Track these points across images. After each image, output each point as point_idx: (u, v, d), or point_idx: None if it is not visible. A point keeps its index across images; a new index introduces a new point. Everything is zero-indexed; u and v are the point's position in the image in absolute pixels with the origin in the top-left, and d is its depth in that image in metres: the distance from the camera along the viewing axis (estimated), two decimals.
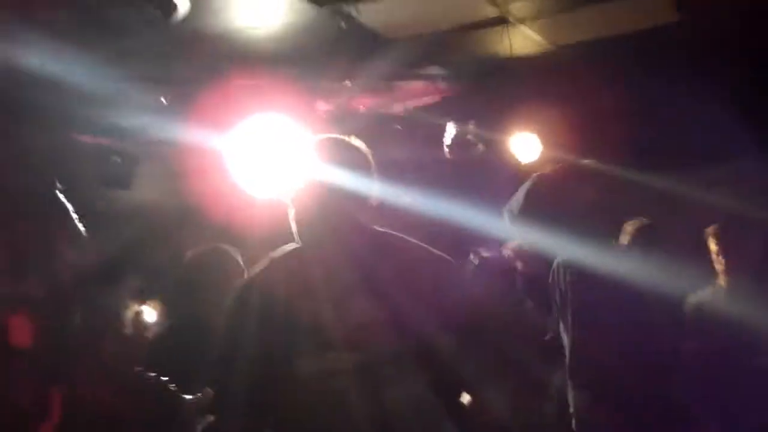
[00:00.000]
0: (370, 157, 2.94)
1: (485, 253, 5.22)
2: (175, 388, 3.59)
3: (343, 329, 2.70)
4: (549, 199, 3.96)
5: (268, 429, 2.77)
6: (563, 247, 3.99)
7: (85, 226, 4.39)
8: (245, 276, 4.00)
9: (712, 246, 5.21)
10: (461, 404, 2.87)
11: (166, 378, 3.60)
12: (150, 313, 6.68)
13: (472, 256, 5.26)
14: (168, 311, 4.62)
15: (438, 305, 2.75)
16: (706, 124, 6.41)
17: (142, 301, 6.44)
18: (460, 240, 5.52)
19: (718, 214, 5.58)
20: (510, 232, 4.37)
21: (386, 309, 2.71)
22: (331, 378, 2.67)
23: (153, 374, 3.61)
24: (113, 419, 3.72)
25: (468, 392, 2.87)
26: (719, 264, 5.18)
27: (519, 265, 4.95)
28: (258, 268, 2.88)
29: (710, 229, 5.23)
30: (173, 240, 5.00)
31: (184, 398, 3.59)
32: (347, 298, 2.72)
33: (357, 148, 2.91)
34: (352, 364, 2.68)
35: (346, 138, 2.95)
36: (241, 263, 4.20)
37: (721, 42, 5.75)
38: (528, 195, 4.03)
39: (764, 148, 7.57)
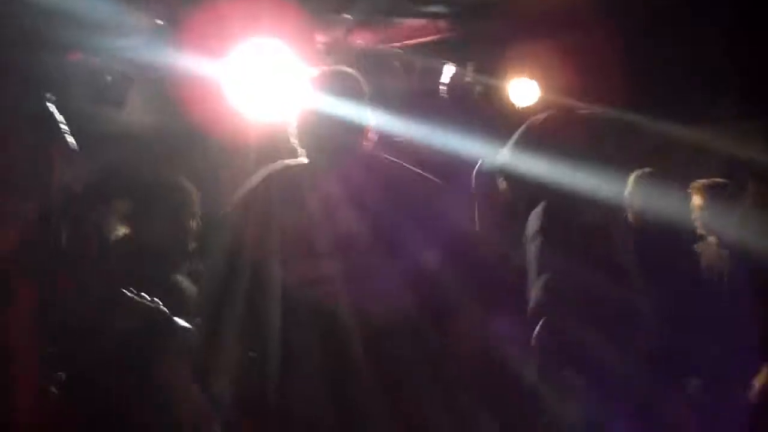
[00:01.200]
0: (365, 87, 3.01)
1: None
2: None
3: (329, 237, 2.73)
4: (541, 144, 3.91)
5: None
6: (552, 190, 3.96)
7: (76, 145, 4.36)
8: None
9: (696, 200, 5.23)
10: (445, 324, 2.91)
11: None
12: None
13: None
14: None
15: (426, 224, 2.83)
16: (708, 80, 6.39)
17: (130, 224, 6.43)
18: (449, 179, 5.51)
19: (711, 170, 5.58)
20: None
21: (373, 222, 2.81)
22: (316, 284, 2.71)
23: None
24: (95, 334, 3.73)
25: (452, 310, 2.91)
26: (701, 218, 5.20)
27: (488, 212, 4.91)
28: (256, 179, 2.93)
29: (697, 184, 5.24)
30: (165, 163, 4.95)
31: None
32: (334, 208, 2.79)
33: (354, 78, 3.00)
34: (336, 270, 2.72)
35: (344, 68, 3.04)
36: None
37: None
38: (519, 140, 3.98)
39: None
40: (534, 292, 4.00)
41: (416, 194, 2.94)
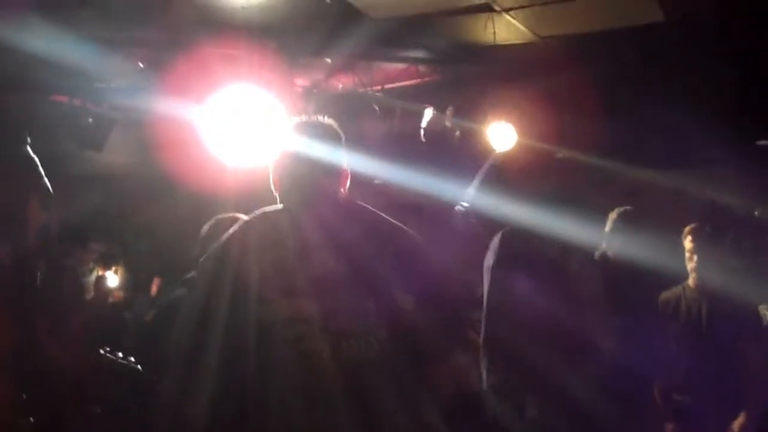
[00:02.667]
0: (341, 134, 3.05)
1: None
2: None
3: (305, 278, 2.77)
4: (502, 179, 3.97)
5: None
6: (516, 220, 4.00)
7: (54, 187, 4.36)
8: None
9: (687, 244, 5.25)
10: (421, 364, 2.93)
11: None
12: (112, 278, 6.68)
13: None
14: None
15: (400, 268, 2.86)
16: (683, 126, 6.46)
17: (106, 267, 6.43)
18: (428, 221, 5.56)
19: (685, 215, 5.62)
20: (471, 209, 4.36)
21: (347, 265, 2.81)
22: (293, 324, 2.74)
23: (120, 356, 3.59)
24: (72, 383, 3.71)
25: (428, 354, 2.93)
26: (691, 262, 5.23)
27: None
28: (235, 227, 2.95)
29: (688, 228, 5.27)
30: (142, 206, 4.97)
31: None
32: (310, 250, 2.81)
33: (330, 126, 3.04)
34: (313, 311, 2.74)
35: (320, 118, 3.08)
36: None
37: (704, 43, 5.78)
38: (482, 178, 4.04)
39: (741, 155, 7.68)
40: (482, 326, 4.04)
41: (390, 239, 2.97)
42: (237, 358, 2.76)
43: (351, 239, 2.88)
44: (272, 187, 3.02)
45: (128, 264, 7.03)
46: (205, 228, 4.20)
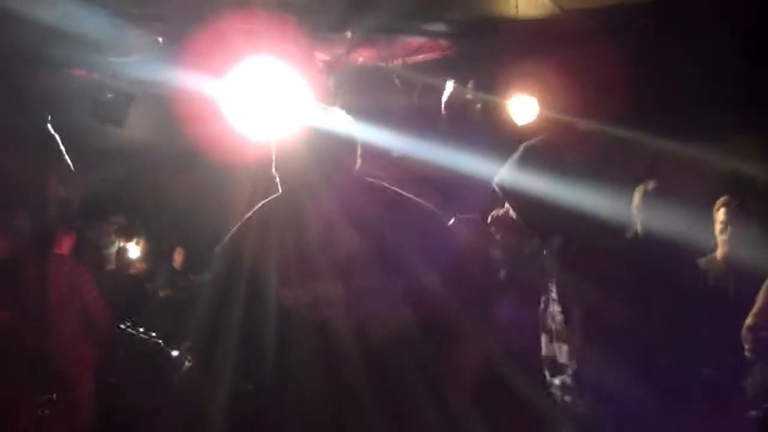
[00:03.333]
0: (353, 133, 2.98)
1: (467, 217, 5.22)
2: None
3: (330, 260, 2.74)
4: (541, 163, 3.89)
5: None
6: (554, 219, 3.93)
7: (75, 161, 4.38)
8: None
9: (720, 216, 5.20)
10: (447, 347, 2.91)
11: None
12: (133, 250, 6.73)
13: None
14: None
15: (422, 248, 2.82)
16: (708, 96, 6.39)
17: (127, 238, 6.47)
18: (448, 196, 5.54)
19: (711, 187, 5.56)
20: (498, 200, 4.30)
21: (372, 243, 2.78)
22: (317, 307, 2.71)
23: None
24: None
25: (453, 336, 2.90)
26: (723, 235, 5.18)
27: (498, 234, 4.90)
28: (251, 212, 2.91)
29: (721, 200, 5.22)
30: (164, 180, 4.97)
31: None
32: (334, 231, 2.78)
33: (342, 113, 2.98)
34: (338, 294, 2.71)
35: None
36: None
37: (725, 14, 5.70)
38: (519, 160, 3.96)
39: (763, 125, 7.60)
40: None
41: (413, 217, 2.93)
42: (257, 343, 2.74)
43: (374, 218, 2.83)
44: (274, 169, 2.95)
45: (149, 236, 7.07)
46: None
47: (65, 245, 4.64)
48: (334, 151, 2.90)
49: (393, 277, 2.79)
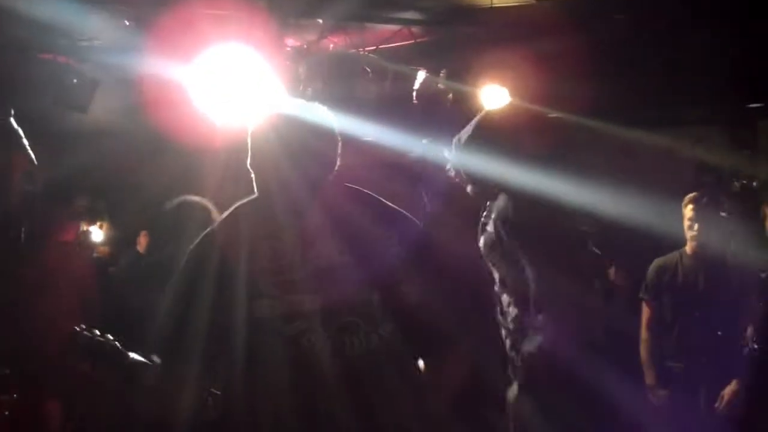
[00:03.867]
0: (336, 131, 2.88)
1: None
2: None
3: (307, 271, 2.66)
4: (497, 132, 3.87)
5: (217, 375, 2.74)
6: (507, 180, 3.91)
7: (40, 144, 4.30)
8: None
9: (688, 212, 5.24)
10: (429, 357, 2.86)
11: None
12: (97, 233, 6.68)
13: (424, 195, 5.23)
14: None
15: (404, 261, 2.75)
16: (678, 87, 6.43)
17: (90, 222, 6.40)
18: (418, 182, 5.52)
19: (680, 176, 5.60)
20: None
21: (350, 255, 2.69)
22: (292, 320, 2.64)
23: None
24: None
25: (431, 351, 2.86)
26: (691, 231, 5.22)
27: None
28: (223, 215, 2.84)
29: (689, 197, 5.25)
30: (130, 164, 4.90)
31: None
32: (312, 241, 2.70)
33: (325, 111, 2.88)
34: (315, 306, 2.65)
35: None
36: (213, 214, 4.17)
37: (694, 6, 5.73)
38: (477, 126, 3.93)
39: (731, 117, 7.67)
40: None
41: (394, 226, 2.84)
42: (226, 352, 2.68)
43: (354, 227, 2.73)
44: (249, 164, 2.85)
45: (114, 220, 7.00)
46: (170, 207, 4.12)
47: (70, 233, 4.58)
48: (314, 152, 2.78)
49: (370, 290, 2.72)
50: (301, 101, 2.91)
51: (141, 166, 5.03)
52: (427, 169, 5.52)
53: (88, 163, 5.39)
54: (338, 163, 2.85)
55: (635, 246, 5.75)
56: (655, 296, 5.35)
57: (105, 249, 7.50)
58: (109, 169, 5.79)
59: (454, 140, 3.99)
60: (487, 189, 3.99)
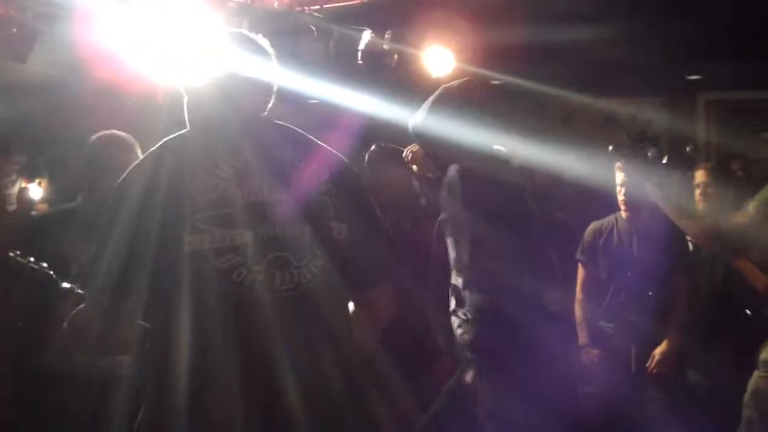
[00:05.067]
0: (270, 49, 2.94)
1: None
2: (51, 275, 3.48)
3: (240, 206, 2.69)
4: (452, 110, 3.93)
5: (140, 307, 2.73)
6: (462, 157, 3.99)
7: None
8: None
9: (618, 177, 5.36)
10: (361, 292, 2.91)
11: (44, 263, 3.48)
12: (35, 190, 6.57)
13: (373, 147, 5.33)
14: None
15: (334, 199, 2.81)
16: (616, 58, 6.51)
17: (29, 178, 6.30)
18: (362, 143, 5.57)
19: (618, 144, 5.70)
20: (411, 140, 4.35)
21: (282, 191, 2.74)
22: (224, 254, 2.64)
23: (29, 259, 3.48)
24: None
25: (360, 287, 2.90)
26: (621, 195, 5.35)
27: (414, 167, 4.98)
28: (153, 149, 2.83)
29: (618, 163, 5.36)
30: (70, 119, 4.83)
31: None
32: (245, 176, 2.72)
33: (259, 43, 2.93)
34: (247, 241, 2.67)
35: (251, 34, 2.97)
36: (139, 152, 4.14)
37: None
38: (432, 105, 3.99)
39: (670, 88, 7.80)
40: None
41: (325, 164, 2.88)
42: (163, 288, 2.68)
43: (285, 163, 2.78)
44: (186, 105, 2.87)
45: (53, 177, 6.91)
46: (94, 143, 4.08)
47: None
48: (247, 88, 2.85)
49: (302, 226, 2.75)
50: (237, 35, 2.94)
51: (81, 121, 4.95)
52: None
53: (26, 117, 5.31)
54: (272, 100, 2.92)
55: (574, 209, 5.86)
56: (590, 258, 5.48)
57: (44, 206, 7.42)
58: (48, 124, 5.69)
59: (410, 120, 4.05)
60: (442, 157, 4.07)
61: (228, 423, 2.60)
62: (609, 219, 5.53)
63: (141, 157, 3.66)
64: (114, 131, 4.23)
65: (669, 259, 5.18)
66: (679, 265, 5.26)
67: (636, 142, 5.36)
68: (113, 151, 4.11)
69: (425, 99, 4.08)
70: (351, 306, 2.94)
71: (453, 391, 4.31)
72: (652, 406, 5.15)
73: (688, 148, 6.04)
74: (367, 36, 6.25)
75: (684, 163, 5.71)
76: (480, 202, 3.96)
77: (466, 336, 3.99)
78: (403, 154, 4.92)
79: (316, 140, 2.94)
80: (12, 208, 5.97)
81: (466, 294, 4.00)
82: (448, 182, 4.17)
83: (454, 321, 4.11)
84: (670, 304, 5.24)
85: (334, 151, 2.94)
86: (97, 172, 4.10)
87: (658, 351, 5.20)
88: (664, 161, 4.69)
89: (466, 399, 4.08)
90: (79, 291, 3.32)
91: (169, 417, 2.62)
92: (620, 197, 5.39)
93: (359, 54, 6.27)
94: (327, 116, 5.65)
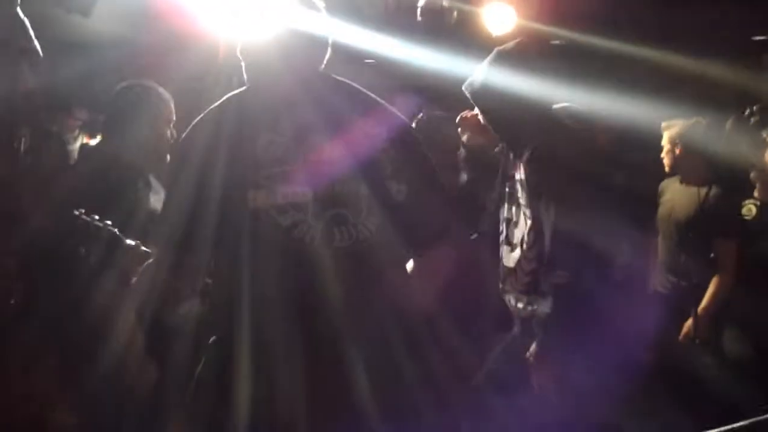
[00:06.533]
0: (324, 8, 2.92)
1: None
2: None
3: (300, 163, 2.70)
4: (511, 70, 3.86)
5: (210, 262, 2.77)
6: (522, 128, 3.93)
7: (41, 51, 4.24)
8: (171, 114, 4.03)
9: (670, 142, 5.27)
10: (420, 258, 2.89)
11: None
12: None
13: (421, 114, 5.22)
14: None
15: (393, 159, 2.80)
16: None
17: (90, 135, 6.36)
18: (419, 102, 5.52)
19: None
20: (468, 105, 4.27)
21: (342, 149, 2.74)
22: (286, 211, 2.66)
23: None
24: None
25: (419, 248, 2.89)
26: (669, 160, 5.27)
27: (465, 137, 4.88)
28: (217, 103, 2.85)
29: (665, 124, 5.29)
30: (129, 76, 4.85)
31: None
32: (304, 133, 2.73)
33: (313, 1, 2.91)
34: (307, 198, 2.68)
35: None
36: (170, 103, 4.16)
37: None
38: (489, 66, 3.93)
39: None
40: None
41: (385, 123, 2.87)
42: (228, 243, 2.70)
43: (344, 121, 2.77)
44: (244, 63, 2.88)
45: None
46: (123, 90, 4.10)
47: None
48: (304, 44, 2.84)
49: (360, 184, 2.75)
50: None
51: (145, 78, 4.97)
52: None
53: (88, 73, 5.35)
54: (327, 53, 2.90)
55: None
56: None
57: None
58: (110, 81, 5.73)
59: (467, 84, 3.99)
60: (501, 120, 3.99)
61: (289, 376, 2.63)
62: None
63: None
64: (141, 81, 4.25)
65: (722, 224, 5.07)
66: (732, 231, 5.12)
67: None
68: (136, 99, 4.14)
69: (483, 58, 4.03)
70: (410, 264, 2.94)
71: (511, 354, 4.29)
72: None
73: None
74: None
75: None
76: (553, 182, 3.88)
77: (536, 309, 3.94)
78: (457, 120, 4.82)
79: (376, 98, 2.92)
80: (73, 162, 6.05)
81: (540, 270, 3.94)
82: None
83: (516, 297, 4.08)
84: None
85: (394, 110, 2.92)
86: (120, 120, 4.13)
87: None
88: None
89: (524, 365, 4.06)
90: (144, 248, 3.36)
91: (228, 375, 2.66)
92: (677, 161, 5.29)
93: (418, 11, 6.22)
94: (386, 77, 5.61)
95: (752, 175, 5.11)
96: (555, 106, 3.99)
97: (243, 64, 2.88)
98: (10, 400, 3.89)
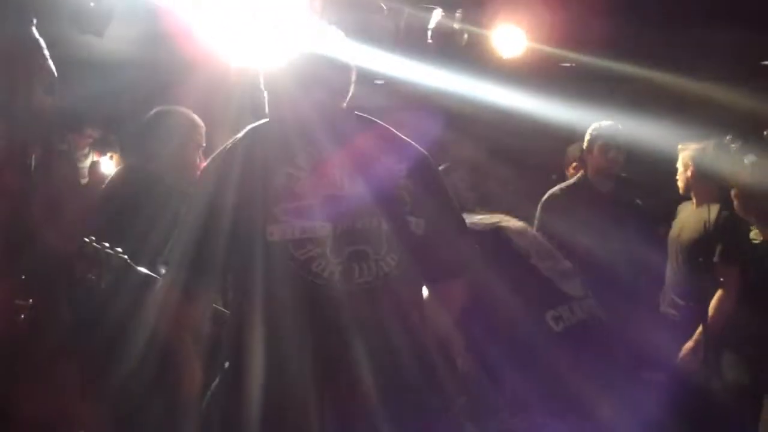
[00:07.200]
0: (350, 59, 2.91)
1: None
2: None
3: (319, 198, 2.69)
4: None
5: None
6: None
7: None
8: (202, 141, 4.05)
9: (683, 164, 5.26)
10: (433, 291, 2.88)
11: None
12: (107, 165, 6.67)
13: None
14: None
15: (412, 193, 2.80)
16: (694, 29, 6.35)
17: (101, 152, 6.40)
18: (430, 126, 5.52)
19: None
20: None
21: (361, 184, 2.73)
22: (303, 245, 2.66)
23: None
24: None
25: (436, 281, 2.89)
26: (682, 183, 5.25)
27: None
28: (238, 135, 2.84)
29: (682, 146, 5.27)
30: (142, 96, 4.88)
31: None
32: (325, 168, 2.72)
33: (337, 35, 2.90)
34: (326, 233, 2.67)
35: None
36: (202, 129, 4.17)
37: None
38: None
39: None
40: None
41: (404, 158, 2.85)
42: (237, 273, 2.71)
43: (364, 156, 2.77)
44: (266, 95, 2.88)
45: (125, 152, 7.01)
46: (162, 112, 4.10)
47: None
48: (326, 79, 2.83)
49: (380, 220, 2.74)
50: (317, 28, 2.92)
51: (155, 98, 4.99)
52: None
53: (100, 93, 5.38)
54: (351, 91, 2.88)
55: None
56: None
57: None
58: (121, 100, 5.76)
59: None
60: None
61: (302, 409, 2.61)
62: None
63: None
64: (175, 107, 4.26)
65: (723, 248, 5.04)
66: (732, 256, 5.09)
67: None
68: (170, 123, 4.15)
69: (495, 81, 4.03)
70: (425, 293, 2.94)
71: None
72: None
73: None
74: (437, 15, 6.20)
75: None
76: None
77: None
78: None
79: (396, 132, 2.91)
80: (84, 181, 6.08)
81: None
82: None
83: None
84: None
85: (413, 143, 2.91)
86: (154, 142, 4.14)
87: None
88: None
89: None
90: (156, 276, 3.35)
91: (244, 403, 2.65)
92: (690, 183, 5.28)
93: (429, 33, 6.23)
94: (397, 97, 5.63)
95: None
96: None
97: (265, 95, 2.87)
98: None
